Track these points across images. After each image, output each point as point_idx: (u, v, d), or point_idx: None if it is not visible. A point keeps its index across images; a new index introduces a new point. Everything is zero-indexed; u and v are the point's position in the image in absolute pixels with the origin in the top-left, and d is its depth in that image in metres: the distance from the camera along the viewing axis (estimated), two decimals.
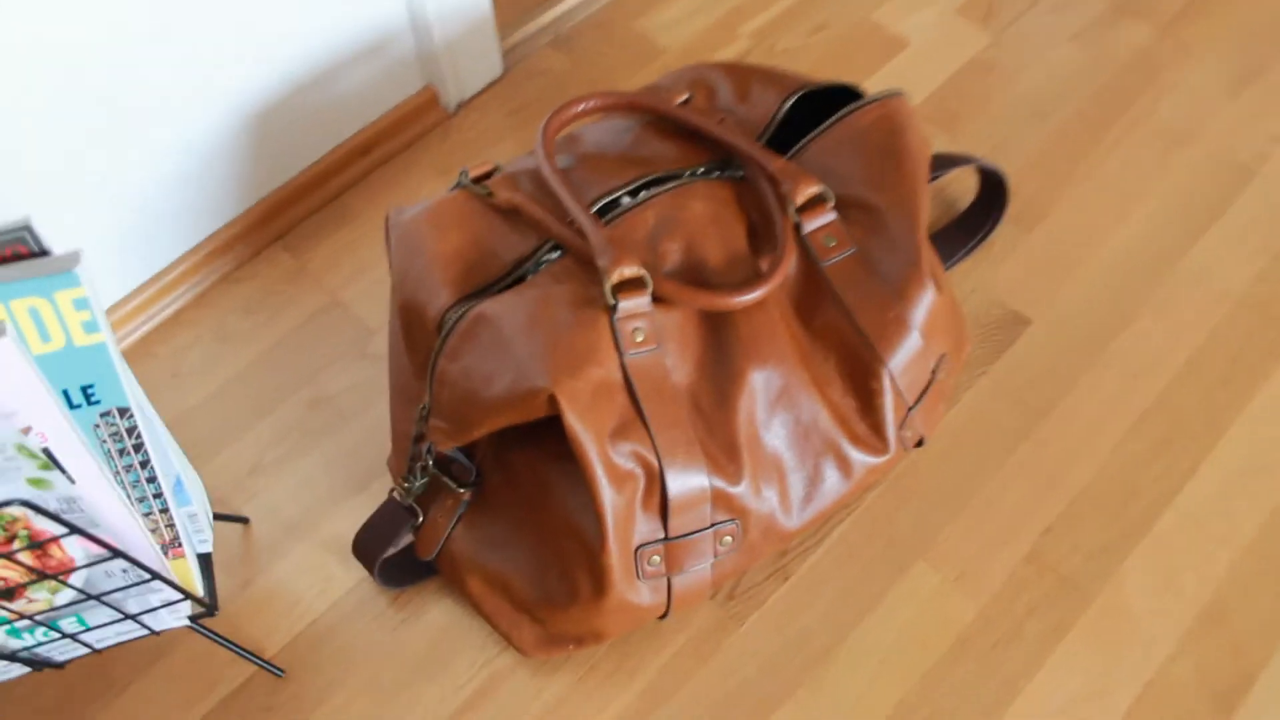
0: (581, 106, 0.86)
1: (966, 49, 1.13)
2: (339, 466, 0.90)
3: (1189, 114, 1.07)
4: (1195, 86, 1.09)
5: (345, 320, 0.97)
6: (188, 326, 0.97)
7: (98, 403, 0.66)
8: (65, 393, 0.64)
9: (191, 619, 0.77)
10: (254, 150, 0.97)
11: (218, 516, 0.86)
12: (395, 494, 0.82)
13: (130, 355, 0.96)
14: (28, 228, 0.58)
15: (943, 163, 0.97)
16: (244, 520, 0.88)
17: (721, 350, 0.77)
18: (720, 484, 0.75)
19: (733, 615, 0.83)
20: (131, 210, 0.91)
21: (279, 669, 0.81)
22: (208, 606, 0.76)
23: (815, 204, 0.81)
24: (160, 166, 0.91)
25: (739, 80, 0.90)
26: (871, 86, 1.11)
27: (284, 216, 1.02)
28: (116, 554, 0.67)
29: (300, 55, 0.95)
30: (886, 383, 0.79)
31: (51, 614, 0.72)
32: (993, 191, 0.99)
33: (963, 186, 1.03)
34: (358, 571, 0.86)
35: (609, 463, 0.72)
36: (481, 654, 0.82)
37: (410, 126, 1.07)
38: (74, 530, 0.64)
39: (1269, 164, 1.03)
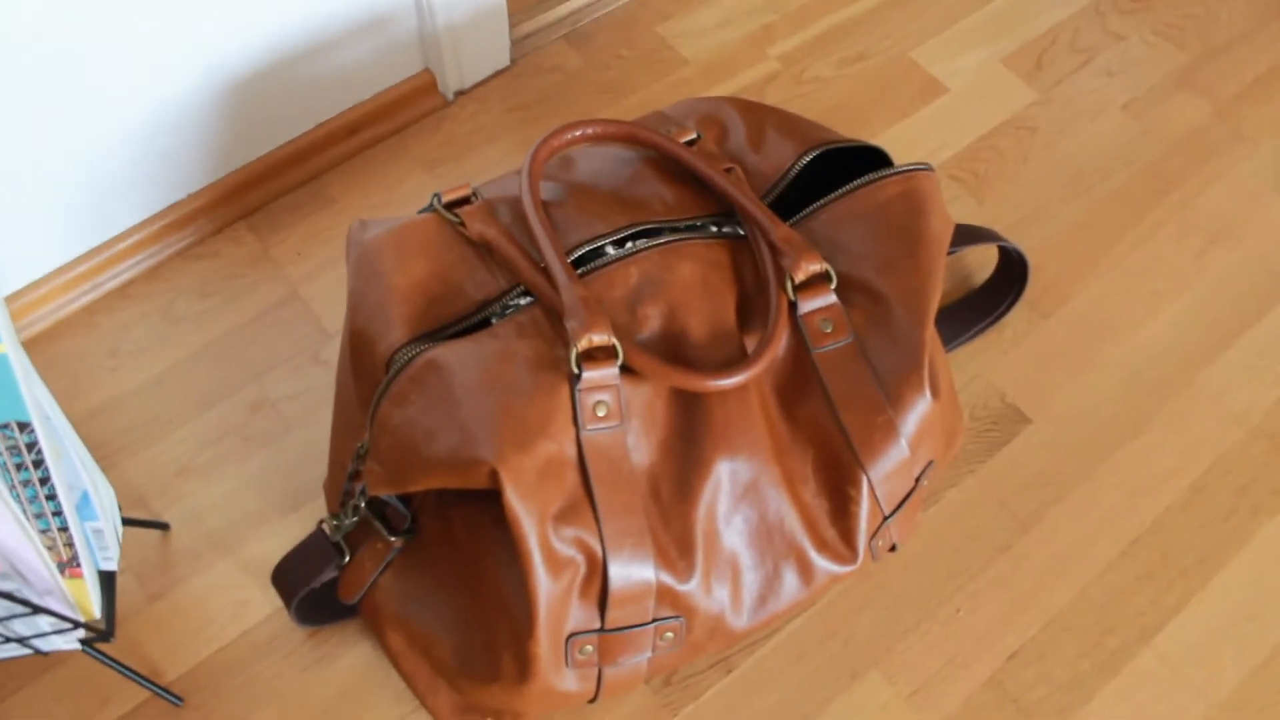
0: (579, 132, 0.79)
1: (1008, 104, 1.05)
2: (273, 481, 0.84)
3: (1234, 208, 1.00)
4: (1245, 178, 1.02)
5: (303, 317, 0.91)
6: (136, 301, 0.91)
7: None
8: None
9: (84, 642, 0.71)
10: (230, 117, 0.90)
11: (135, 522, 0.80)
12: (324, 527, 0.77)
13: (70, 324, 0.89)
14: None
15: (963, 237, 0.89)
16: (164, 526, 0.82)
17: (690, 434, 0.70)
18: (668, 580, 0.69)
19: (666, 704, 0.78)
20: (85, 169, 0.84)
21: (178, 697, 0.76)
22: (102, 632, 0.70)
23: (816, 283, 0.74)
24: (122, 125, 0.83)
25: (755, 124, 0.83)
26: (902, 132, 1.03)
27: (254, 193, 0.95)
28: None
29: (291, 20, 0.87)
30: (865, 490, 0.73)
31: None
32: (1012, 272, 0.92)
33: (981, 259, 0.96)
34: (276, 599, 0.80)
35: (548, 548, 0.66)
36: (393, 710, 0.77)
37: (403, 111, 0.99)
38: None
39: None
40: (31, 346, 0.88)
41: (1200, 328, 0.94)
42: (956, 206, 0.99)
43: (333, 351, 0.89)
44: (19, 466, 0.63)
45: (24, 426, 0.61)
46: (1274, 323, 0.94)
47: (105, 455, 0.84)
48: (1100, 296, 0.95)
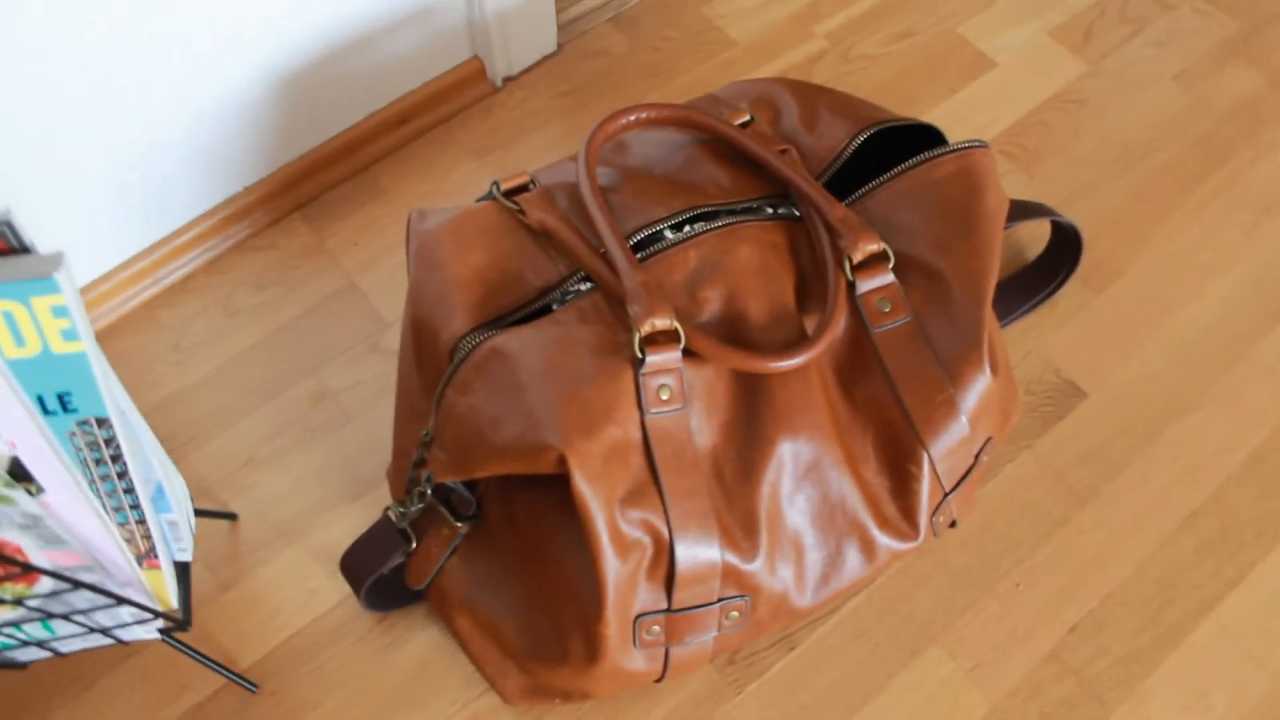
0: (633, 117, 0.79)
1: (1057, 77, 1.04)
2: (336, 469, 0.85)
3: None
4: None
5: (360, 308, 0.92)
6: (196, 294, 0.92)
7: (74, 411, 0.61)
8: (40, 399, 0.60)
9: (163, 631, 0.73)
10: (282, 111, 0.91)
11: (204, 513, 0.82)
12: (390, 514, 0.78)
13: (133, 320, 0.91)
14: (7, 222, 0.52)
15: (1016, 212, 0.89)
16: (232, 517, 0.84)
17: (752, 416, 0.71)
18: (733, 559, 0.70)
19: (731, 682, 0.79)
20: (143, 166, 0.85)
21: (252, 684, 0.78)
22: (180, 622, 0.72)
23: (874, 263, 0.74)
24: (179, 123, 0.85)
25: (808, 104, 0.83)
26: (951, 108, 1.03)
27: (307, 185, 0.96)
28: (78, 585, 0.63)
29: (341, 11, 0.88)
30: (926, 468, 0.73)
31: (16, 620, 0.68)
32: (1065, 247, 0.92)
33: (1033, 234, 0.96)
34: (344, 586, 0.82)
35: (616, 531, 0.67)
36: (463, 693, 0.78)
37: (452, 99, 1.00)
38: (38, 570, 0.60)
39: None
40: (98, 342, 0.89)
41: (1253, 301, 0.93)
42: (1007, 182, 0.99)
43: (390, 340, 0.90)
44: (98, 462, 0.64)
45: (102, 422, 0.63)
46: None
47: (172, 449, 0.86)
48: (1153, 271, 0.95)
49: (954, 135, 1.01)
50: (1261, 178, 0.99)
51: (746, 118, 0.82)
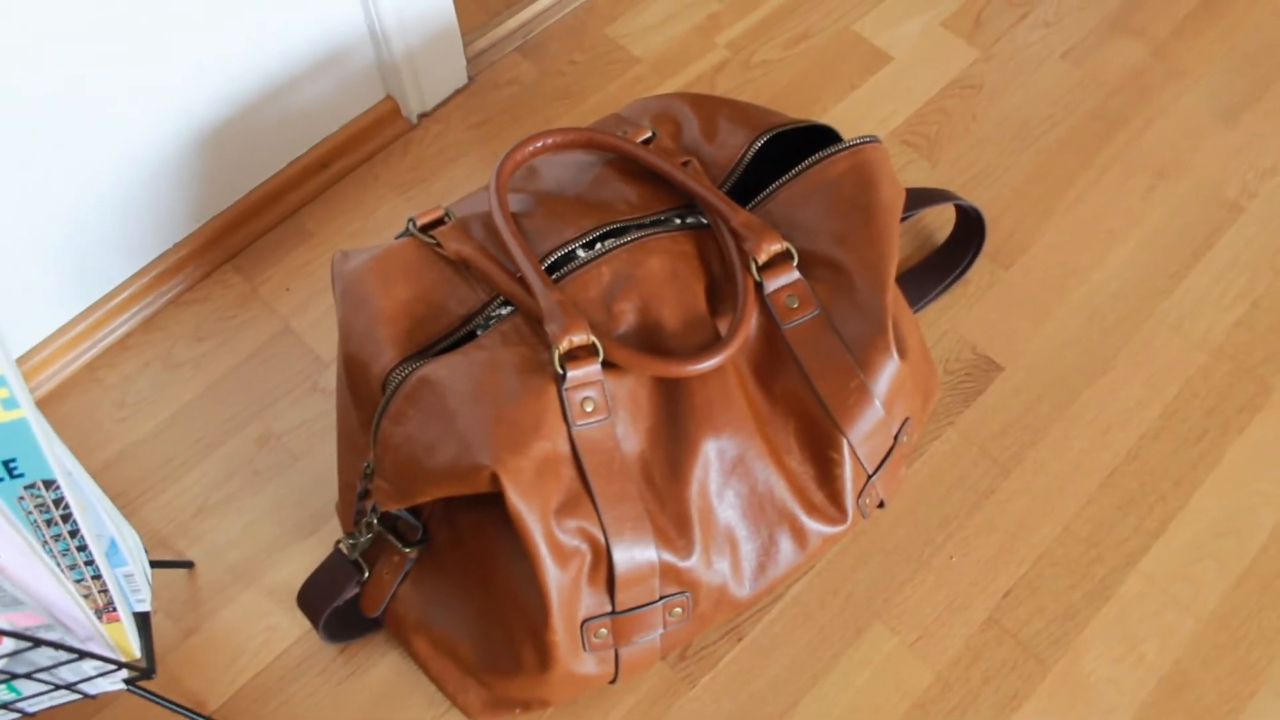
0: (539, 144, 0.82)
1: (952, 64, 1.08)
2: (287, 509, 0.88)
3: (1178, 143, 1.03)
4: (1186, 112, 1.05)
5: (297, 350, 0.94)
6: (136, 352, 0.94)
7: (21, 476, 0.63)
8: None
9: (128, 682, 0.75)
10: (205, 166, 0.93)
11: (161, 563, 0.84)
12: (341, 547, 0.80)
13: (76, 382, 0.93)
14: None
15: (919, 200, 0.93)
16: (188, 565, 0.86)
17: (675, 418, 0.74)
18: (670, 558, 0.73)
19: (684, 676, 0.82)
20: (72, 233, 0.88)
21: None
22: (144, 670, 0.74)
23: (778, 262, 0.77)
24: (102, 185, 0.87)
25: (707, 116, 0.86)
26: (853, 104, 1.06)
27: (236, 235, 0.98)
28: (39, 643, 0.65)
29: (252, 64, 0.90)
30: (846, 453, 0.76)
31: None
32: (969, 228, 0.96)
33: (940, 219, 0.99)
34: (304, 621, 0.84)
35: (553, 541, 0.70)
36: (428, 711, 0.81)
37: (370, 139, 1.03)
38: None
39: (1257, 201, 1.00)
40: (41, 407, 0.91)
41: (1156, 261, 0.98)
42: (911, 171, 1.03)
43: (329, 380, 0.93)
44: (49, 522, 0.66)
45: (49, 484, 0.64)
46: (1225, 248, 0.98)
47: (125, 503, 0.88)
48: (1057, 242, 0.99)
49: (857, 129, 1.05)
50: (1153, 143, 1.04)
51: (648, 134, 0.85)
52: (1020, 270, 0.97)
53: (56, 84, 0.79)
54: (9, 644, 0.67)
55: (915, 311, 0.96)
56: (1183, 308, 0.95)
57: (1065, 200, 1.01)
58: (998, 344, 0.94)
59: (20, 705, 0.73)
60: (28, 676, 0.69)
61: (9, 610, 0.65)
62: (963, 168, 1.03)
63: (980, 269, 0.97)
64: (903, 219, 0.97)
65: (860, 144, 0.81)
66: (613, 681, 0.77)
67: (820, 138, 0.87)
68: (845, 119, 1.06)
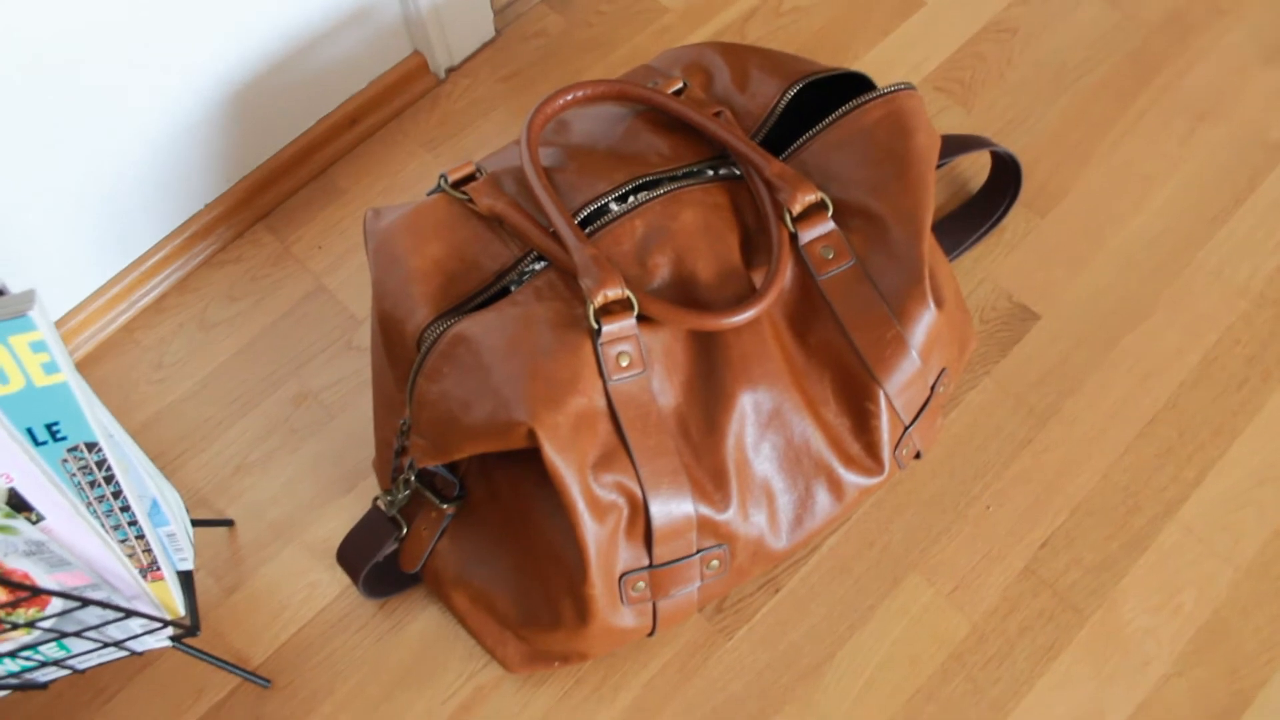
0: (570, 97, 0.82)
1: (986, 8, 1.06)
2: (325, 466, 0.88)
3: (1219, 85, 1.01)
4: (1228, 53, 1.03)
5: (331, 308, 0.94)
6: (171, 313, 0.95)
7: (64, 439, 0.64)
8: (30, 431, 0.63)
9: (174, 639, 0.76)
10: (233, 127, 0.93)
11: (202, 522, 0.85)
12: (379, 504, 0.81)
13: (113, 344, 0.93)
14: None
15: (953, 146, 0.92)
16: (229, 523, 0.87)
17: (711, 371, 0.74)
18: (707, 511, 0.73)
19: (721, 629, 0.82)
20: (107, 195, 0.88)
21: (265, 680, 0.81)
22: (189, 628, 0.75)
23: (813, 213, 0.77)
24: (133, 149, 0.87)
25: (738, 65, 0.85)
26: (886, 50, 1.05)
27: (267, 195, 0.98)
28: (86, 602, 0.66)
29: (280, 22, 0.90)
30: (883, 404, 0.76)
31: (32, 642, 0.71)
32: (1005, 175, 0.94)
33: (975, 165, 0.98)
34: (344, 577, 0.85)
35: (591, 496, 0.70)
36: (467, 666, 0.82)
37: (398, 95, 1.02)
38: (47, 592, 0.63)
39: None
40: (80, 369, 0.92)
41: (1196, 207, 0.96)
42: (946, 117, 1.01)
43: (363, 337, 0.93)
44: (92, 484, 0.67)
45: (91, 446, 0.65)
46: (1268, 191, 0.96)
47: (165, 463, 0.89)
48: (1094, 189, 0.97)
49: (890, 77, 1.03)
50: (1194, 85, 1.01)
51: (680, 85, 0.84)
52: (1056, 217, 0.96)
53: (86, 49, 0.78)
54: (58, 603, 0.68)
55: (950, 260, 0.95)
56: (1223, 253, 0.94)
57: (1104, 145, 0.99)
58: (1034, 292, 0.93)
59: (71, 662, 0.74)
60: (77, 635, 0.70)
61: (57, 570, 0.66)
62: (998, 113, 1.01)
63: (1016, 216, 0.96)
64: (938, 166, 0.96)
65: (894, 91, 0.80)
66: (650, 634, 0.78)
67: (854, 86, 0.86)
68: (878, 66, 1.04)
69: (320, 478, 0.88)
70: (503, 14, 1.06)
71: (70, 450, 0.65)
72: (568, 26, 1.07)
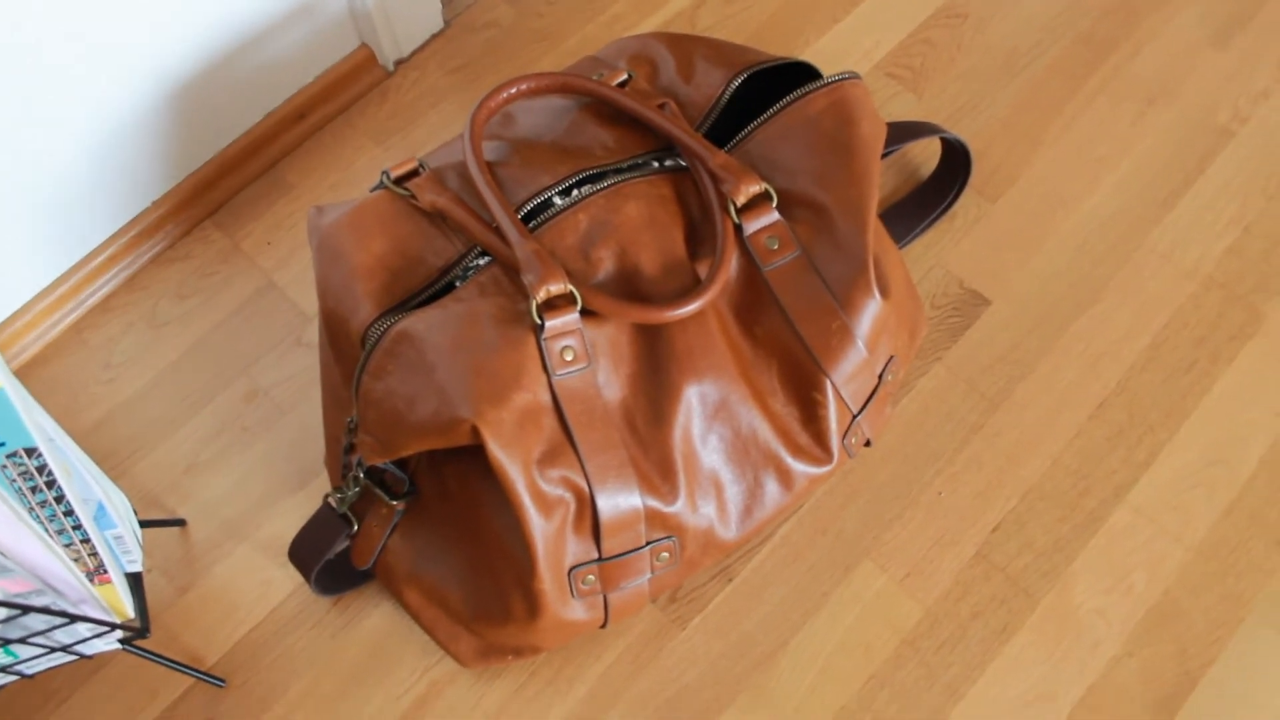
0: (513, 90, 0.81)
1: None
2: (276, 463, 0.88)
3: (1168, 67, 1.02)
4: (1176, 35, 1.03)
5: (281, 305, 0.94)
6: (119, 312, 0.94)
7: (3, 445, 0.63)
8: None
9: (123, 641, 0.76)
10: (179, 122, 0.92)
11: (153, 523, 0.84)
12: (330, 501, 0.81)
13: (61, 344, 0.93)
14: None
15: (902, 134, 0.92)
16: (181, 523, 0.86)
17: (656, 364, 0.74)
18: (655, 503, 0.73)
19: (675, 619, 0.82)
20: (50, 193, 0.87)
21: (219, 679, 0.81)
22: (139, 630, 0.75)
23: (757, 204, 0.76)
24: (78, 145, 0.86)
25: (684, 56, 0.85)
26: (836, 37, 1.04)
27: (215, 191, 0.97)
28: (26, 609, 0.65)
29: (224, 16, 0.89)
30: (830, 394, 0.76)
31: None
32: (955, 161, 0.94)
33: (925, 152, 0.98)
34: (297, 575, 0.84)
35: (536, 491, 0.70)
36: (421, 661, 0.82)
37: (346, 89, 1.01)
38: None
39: (1248, 125, 0.98)
40: (27, 372, 0.91)
41: (1145, 189, 0.96)
42: (897, 104, 1.01)
43: (313, 334, 0.93)
44: (34, 489, 0.67)
45: (31, 451, 0.65)
46: (1216, 174, 0.96)
47: (116, 464, 0.88)
48: (1045, 173, 0.97)
49: (841, 63, 1.03)
50: (1143, 68, 1.02)
51: (625, 76, 0.83)
52: (1008, 202, 0.96)
53: (23, 41, 0.77)
54: (1, 610, 0.67)
55: (901, 247, 0.95)
56: (1173, 236, 0.94)
57: (1053, 129, 0.99)
58: (985, 278, 0.93)
59: (18, 668, 0.74)
60: (22, 641, 0.70)
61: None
62: (949, 99, 1.01)
63: (967, 202, 0.96)
64: (886, 154, 0.96)
65: (839, 80, 0.80)
66: (603, 626, 0.78)
67: (800, 75, 0.85)
68: (829, 53, 1.04)
69: (272, 475, 0.88)
70: (451, 5, 1.06)
71: (10, 457, 0.64)
72: (517, 17, 1.06)
